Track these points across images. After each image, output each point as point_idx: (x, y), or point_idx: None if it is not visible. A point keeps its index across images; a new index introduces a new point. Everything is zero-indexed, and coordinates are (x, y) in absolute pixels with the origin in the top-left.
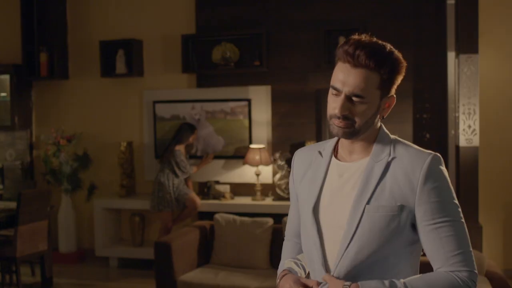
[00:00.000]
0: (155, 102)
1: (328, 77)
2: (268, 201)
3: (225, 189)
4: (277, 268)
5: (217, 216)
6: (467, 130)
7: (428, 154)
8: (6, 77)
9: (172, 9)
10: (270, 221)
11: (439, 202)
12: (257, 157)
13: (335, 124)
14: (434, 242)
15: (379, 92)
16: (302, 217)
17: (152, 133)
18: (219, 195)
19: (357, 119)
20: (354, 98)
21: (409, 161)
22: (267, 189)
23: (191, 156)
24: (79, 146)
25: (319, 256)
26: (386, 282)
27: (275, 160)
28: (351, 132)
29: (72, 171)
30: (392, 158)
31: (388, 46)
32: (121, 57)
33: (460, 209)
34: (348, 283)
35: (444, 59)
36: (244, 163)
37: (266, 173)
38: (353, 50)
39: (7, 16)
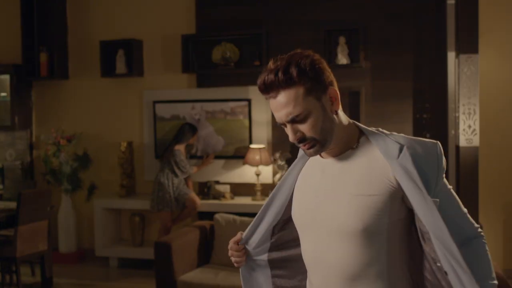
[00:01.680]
0: (155, 102)
1: None
2: None
3: (225, 189)
4: None
5: (217, 216)
6: (467, 130)
7: (433, 142)
8: (6, 77)
9: (172, 9)
10: None
11: (446, 186)
12: (257, 157)
13: (303, 149)
14: (456, 213)
15: (311, 97)
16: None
17: (152, 133)
18: (219, 195)
19: (314, 135)
20: (296, 122)
21: (422, 150)
22: (267, 189)
23: (191, 156)
24: (79, 146)
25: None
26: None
27: (275, 160)
28: (320, 148)
29: (72, 171)
30: (372, 150)
31: (293, 53)
32: (121, 57)
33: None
34: None
35: (444, 59)
36: (244, 163)
37: (266, 173)
38: (262, 85)
39: (7, 16)
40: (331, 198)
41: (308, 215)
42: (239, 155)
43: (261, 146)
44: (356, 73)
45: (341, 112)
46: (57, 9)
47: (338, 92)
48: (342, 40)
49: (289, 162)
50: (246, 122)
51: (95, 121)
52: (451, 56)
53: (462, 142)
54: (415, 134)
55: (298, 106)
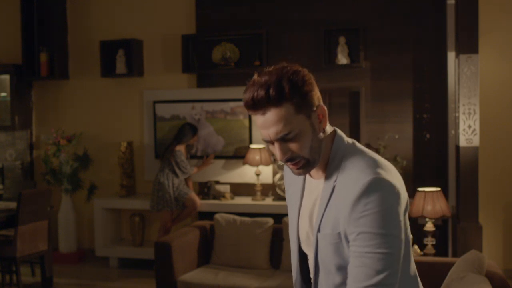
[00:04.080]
0: (155, 102)
1: (328, 77)
2: (268, 201)
3: (225, 189)
4: (277, 268)
5: (217, 216)
6: (467, 130)
7: (366, 176)
8: (6, 77)
9: (172, 9)
10: (270, 221)
11: (362, 233)
12: (257, 157)
13: (291, 168)
14: (348, 269)
15: (301, 115)
16: (289, 234)
17: (152, 133)
18: (219, 195)
19: (302, 153)
20: (285, 140)
21: (349, 184)
22: (267, 189)
23: (192, 157)
24: (79, 146)
25: (298, 273)
26: None
27: (275, 160)
28: (308, 167)
29: (72, 171)
30: (336, 181)
31: (281, 69)
32: (121, 57)
33: (389, 239)
34: None
35: (444, 59)
36: (244, 163)
37: (266, 173)
38: (251, 100)
39: (7, 16)
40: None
41: (299, 233)
42: (239, 155)
43: (261, 146)
44: (356, 73)
45: (328, 128)
46: (57, 9)
47: (325, 109)
48: (342, 40)
49: None
50: (246, 122)
51: (95, 121)
52: (451, 56)
53: (462, 142)
54: (415, 134)
55: (288, 124)
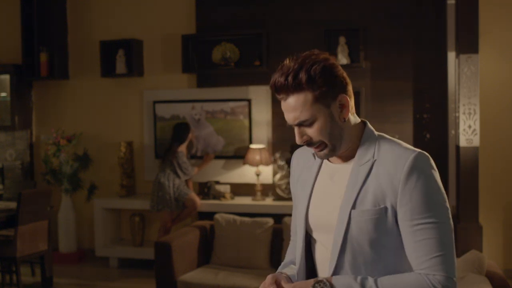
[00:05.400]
0: (155, 102)
1: None
2: (268, 201)
3: (225, 189)
4: (277, 268)
5: (217, 216)
6: (467, 130)
7: (412, 152)
8: (6, 77)
9: (172, 9)
10: (270, 221)
11: (419, 202)
12: (257, 157)
13: (315, 151)
14: (409, 245)
15: (320, 104)
16: (296, 219)
17: (152, 133)
18: (219, 195)
19: (322, 139)
20: (303, 125)
21: (392, 161)
22: (267, 189)
23: (192, 157)
24: (79, 146)
25: (302, 260)
26: (358, 278)
27: (275, 160)
28: (329, 152)
29: (72, 171)
30: (375, 160)
31: (306, 57)
32: (121, 57)
33: (446, 211)
34: (320, 278)
35: (444, 59)
36: (244, 163)
37: (266, 173)
38: (273, 85)
39: (7, 16)
40: (334, 206)
41: (310, 218)
42: (239, 155)
43: (261, 146)
44: (356, 73)
45: (352, 117)
46: (57, 9)
47: (349, 98)
48: (342, 40)
49: (289, 162)
50: (246, 122)
51: (95, 121)
52: (451, 56)
53: (462, 142)
54: (415, 134)
55: (305, 111)
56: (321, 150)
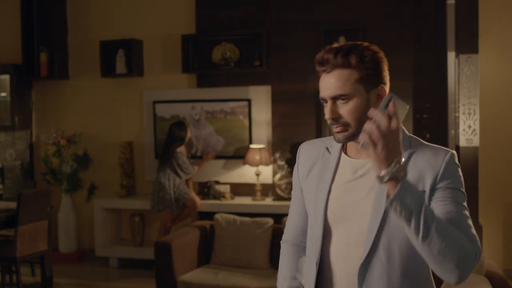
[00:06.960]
0: (155, 102)
1: None
2: (268, 201)
3: (225, 189)
4: (277, 268)
5: (217, 216)
6: (467, 130)
7: (445, 150)
8: (6, 77)
9: (172, 9)
10: (270, 221)
11: (455, 189)
12: (257, 157)
13: (334, 131)
14: (437, 206)
15: (362, 86)
16: (309, 213)
17: (152, 133)
18: (219, 195)
19: (349, 120)
20: (338, 101)
21: (431, 153)
22: (267, 189)
23: (192, 157)
24: (79, 146)
25: (317, 252)
26: (424, 195)
27: (275, 160)
28: (349, 135)
29: (72, 171)
30: (413, 151)
31: (359, 42)
32: (121, 57)
33: (466, 205)
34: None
35: (444, 59)
36: (244, 163)
37: (266, 173)
38: (321, 57)
39: (7, 16)
40: (361, 199)
41: (329, 211)
42: (239, 155)
43: (261, 146)
44: None
45: None
46: (57, 9)
47: (387, 92)
48: (342, 40)
49: (289, 162)
50: (246, 122)
51: (95, 121)
52: (451, 56)
53: (462, 142)
54: (415, 134)
55: (346, 87)
56: (341, 132)
